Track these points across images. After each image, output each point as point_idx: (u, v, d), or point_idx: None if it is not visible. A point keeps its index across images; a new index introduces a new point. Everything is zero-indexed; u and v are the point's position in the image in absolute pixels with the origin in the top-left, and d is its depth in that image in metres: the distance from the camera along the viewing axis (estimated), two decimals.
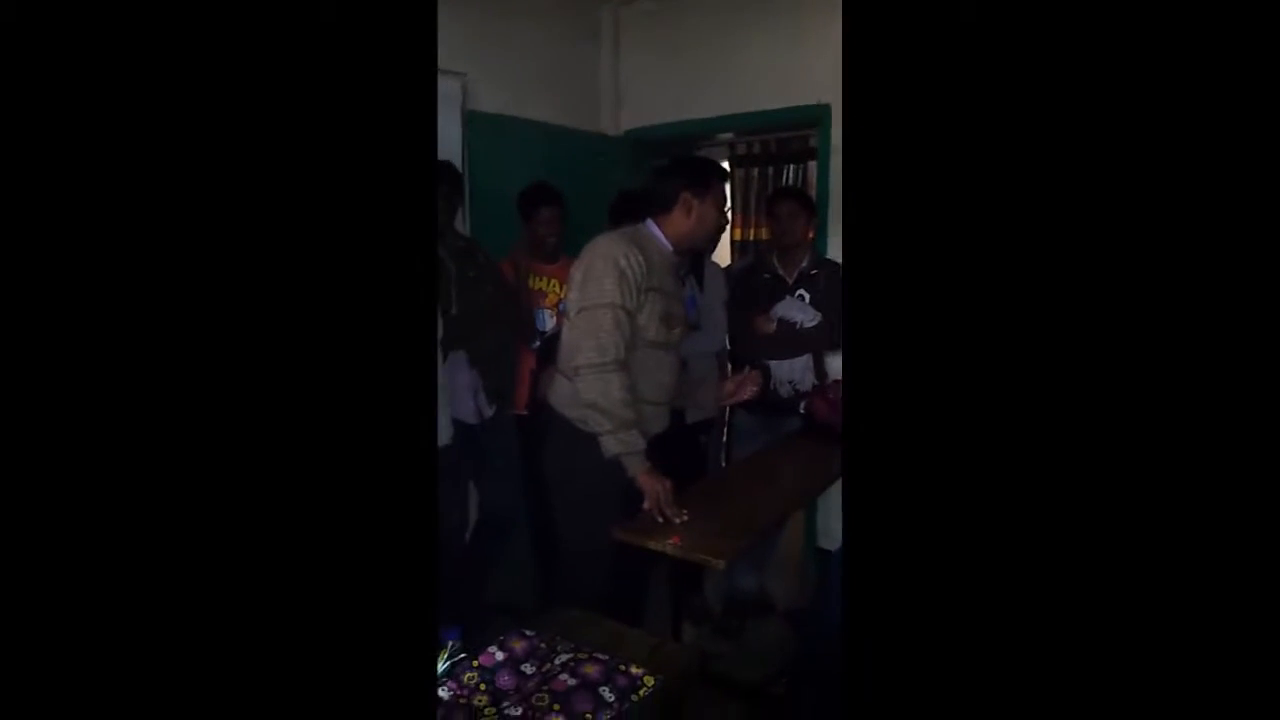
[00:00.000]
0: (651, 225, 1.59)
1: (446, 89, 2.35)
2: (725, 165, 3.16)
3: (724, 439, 2.63)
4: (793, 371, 2.19)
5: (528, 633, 1.10)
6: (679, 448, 1.97)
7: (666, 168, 1.68)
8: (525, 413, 2.08)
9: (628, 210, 2.21)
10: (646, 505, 1.48)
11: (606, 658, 1.03)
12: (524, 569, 2.17)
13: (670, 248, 1.58)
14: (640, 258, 1.49)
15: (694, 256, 2.37)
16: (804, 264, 2.19)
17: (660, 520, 1.45)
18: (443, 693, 0.95)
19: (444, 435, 1.62)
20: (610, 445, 1.46)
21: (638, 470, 1.47)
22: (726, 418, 2.54)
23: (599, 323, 1.45)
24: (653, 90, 2.90)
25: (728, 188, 1.78)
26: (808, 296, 2.16)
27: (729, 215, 1.72)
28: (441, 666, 0.98)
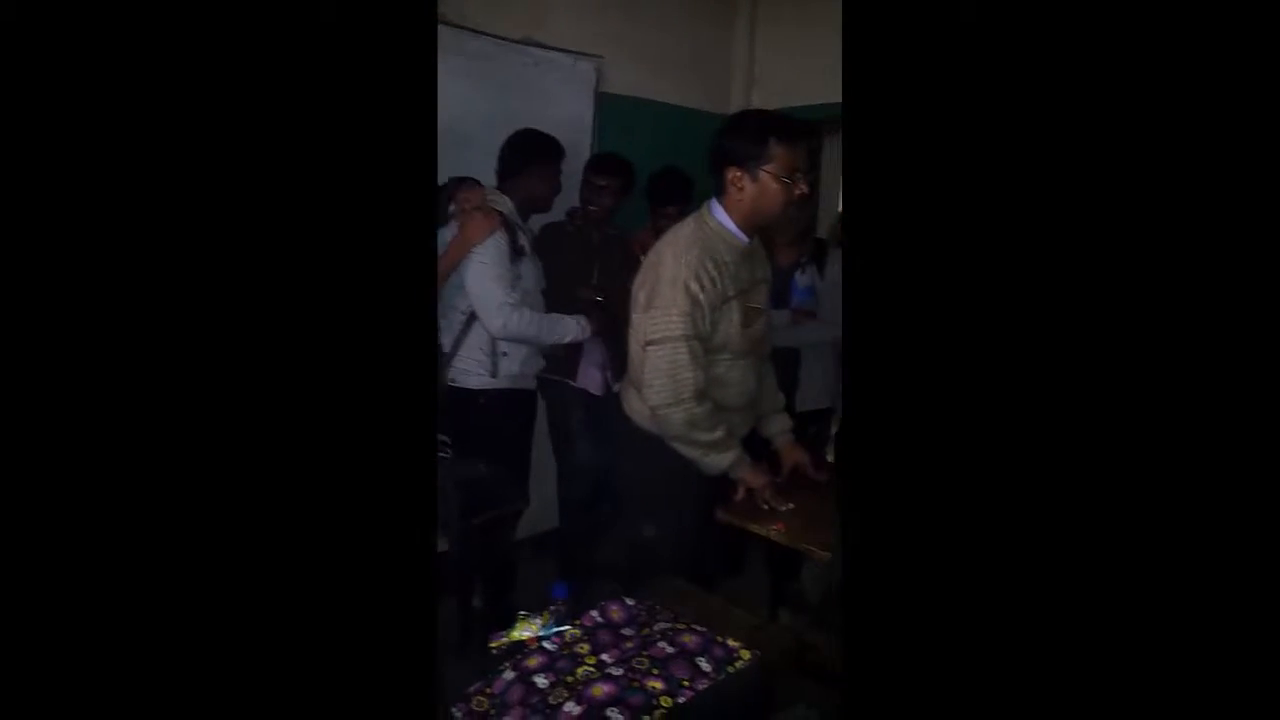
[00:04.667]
0: (718, 209, 1.37)
1: (581, 71, 2.44)
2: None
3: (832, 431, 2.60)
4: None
5: (629, 601, 1.15)
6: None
7: (714, 138, 1.38)
8: None
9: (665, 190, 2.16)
10: (739, 496, 1.45)
11: (704, 630, 1.07)
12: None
13: (744, 238, 1.38)
14: (713, 269, 1.31)
15: (817, 244, 2.33)
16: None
17: (765, 507, 1.45)
18: (548, 645, 1.02)
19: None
20: (709, 467, 1.43)
21: (741, 473, 1.45)
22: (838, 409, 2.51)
23: (673, 360, 1.33)
24: (785, 72, 2.85)
25: (789, 148, 1.31)
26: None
27: (801, 183, 1.32)
28: (544, 627, 1.04)
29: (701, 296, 1.32)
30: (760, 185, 1.32)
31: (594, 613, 1.11)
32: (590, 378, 2.07)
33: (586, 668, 0.97)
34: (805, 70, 2.77)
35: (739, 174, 1.32)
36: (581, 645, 1.02)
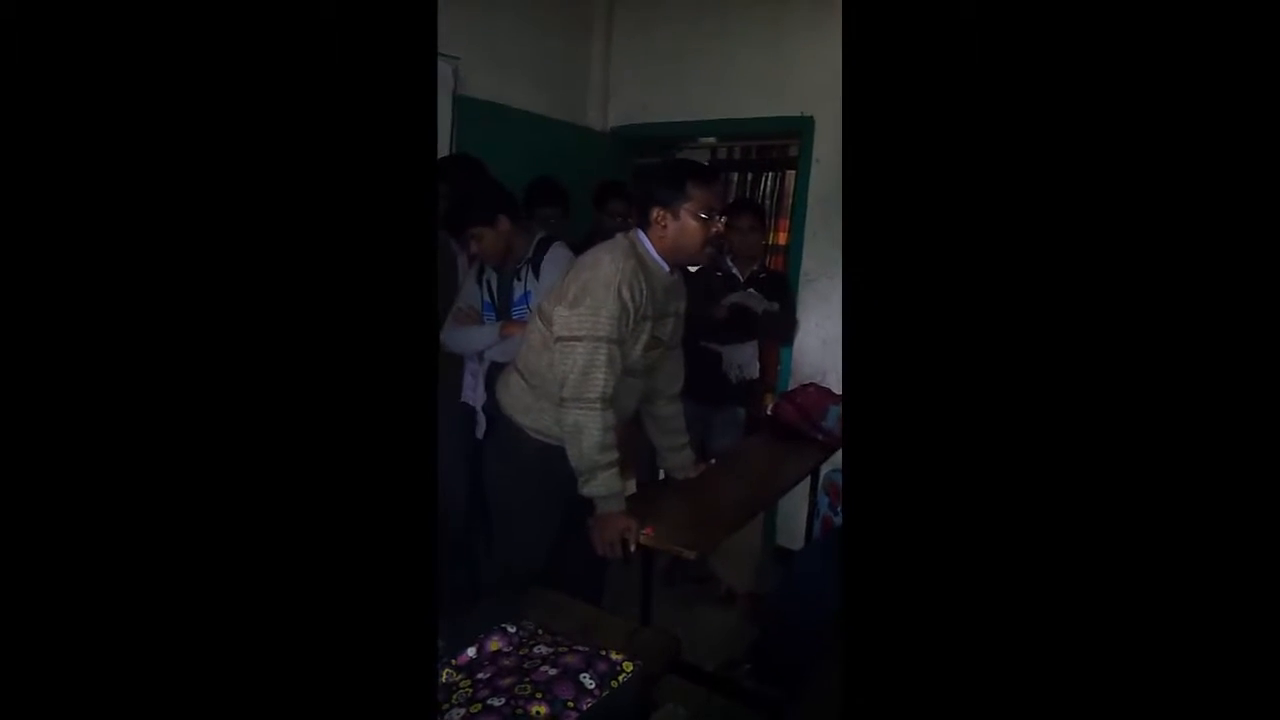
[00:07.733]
0: (645, 239, 1.48)
1: (439, 72, 2.35)
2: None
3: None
4: (741, 356, 2.39)
5: (509, 629, 1.13)
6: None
7: (639, 179, 1.58)
8: None
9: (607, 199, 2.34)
10: (599, 551, 1.46)
11: (586, 649, 1.08)
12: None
13: (667, 268, 1.49)
14: (643, 286, 1.42)
15: (772, 276, 2.48)
16: (754, 267, 2.45)
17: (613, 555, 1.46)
18: None
19: None
20: (584, 489, 1.44)
21: (608, 510, 1.45)
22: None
23: (592, 358, 1.38)
24: (641, 88, 2.93)
25: (705, 190, 1.48)
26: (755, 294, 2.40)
27: (716, 221, 1.49)
28: None
29: (630, 305, 1.40)
30: (681, 223, 1.45)
31: (470, 650, 1.07)
32: (470, 391, 1.98)
33: (465, 707, 0.94)
34: (658, 87, 2.87)
35: (662, 213, 1.45)
36: (463, 682, 0.99)
